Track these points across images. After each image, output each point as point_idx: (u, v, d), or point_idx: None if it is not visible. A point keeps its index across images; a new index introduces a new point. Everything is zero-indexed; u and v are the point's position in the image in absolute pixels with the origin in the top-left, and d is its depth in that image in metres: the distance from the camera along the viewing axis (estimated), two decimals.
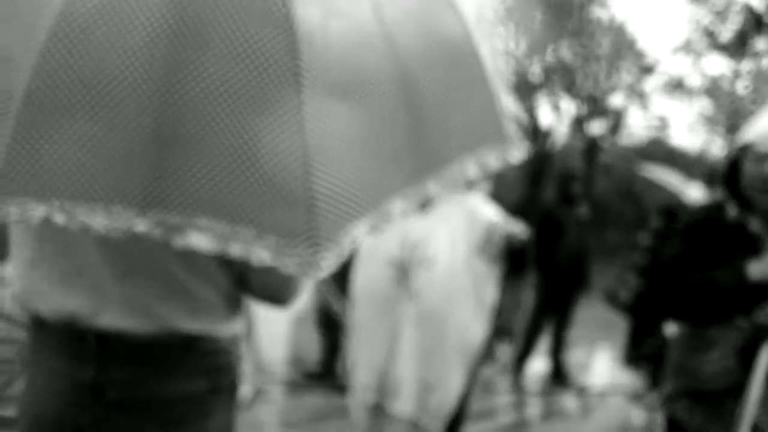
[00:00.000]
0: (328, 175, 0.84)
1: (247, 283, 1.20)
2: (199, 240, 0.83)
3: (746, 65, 15.08)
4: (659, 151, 13.92)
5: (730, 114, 15.15)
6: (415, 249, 2.55)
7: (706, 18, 15.08)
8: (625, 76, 14.77)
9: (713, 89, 15.28)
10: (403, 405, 2.56)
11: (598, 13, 14.04)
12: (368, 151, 0.89)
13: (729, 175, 1.90)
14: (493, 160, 1.07)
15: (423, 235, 2.56)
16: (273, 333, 4.06)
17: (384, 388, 2.58)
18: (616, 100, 14.95)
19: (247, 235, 0.82)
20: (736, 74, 15.21)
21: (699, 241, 1.85)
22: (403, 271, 2.56)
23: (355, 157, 0.87)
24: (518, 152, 1.10)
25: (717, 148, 15.67)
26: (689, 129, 16.08)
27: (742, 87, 15.22)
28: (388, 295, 2.57)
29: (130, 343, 1.11)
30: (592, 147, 14.28)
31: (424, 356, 2.55)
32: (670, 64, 15.45)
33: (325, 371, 4.48)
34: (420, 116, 0.97)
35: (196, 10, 0.87)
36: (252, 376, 3.86)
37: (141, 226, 0.84)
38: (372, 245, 2.60)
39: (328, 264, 0.82)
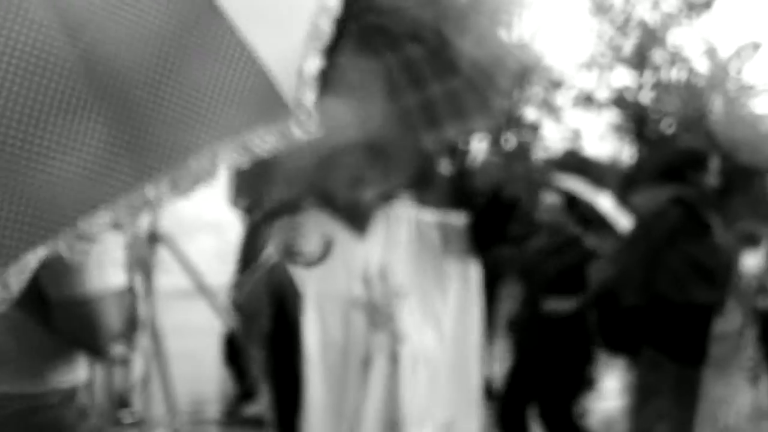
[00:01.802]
0: None
1: (56, 330, 1.09)
2: None
3: (647, 77, 15.83)
4: (572, 161, 14.38)
5: (637, 123, 15.83)
6: (384, 279, 1.92)
7: (608, 32, 15.77)
8: (536, 90, 15.24)
9: (619, 100, 15.95)
10: None
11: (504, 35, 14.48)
12: (41, 165, 0.76)
13: None
14: (266, 141, 0.88)
15: (383, 260, 1.95)
16: (184, 371, 3.91)
17: None
18: (529, 114, 15.40)
19: None
20: (640, 86, 15.94)
21: None
22: (377, 311, 1.90)
23: (18, 177, 0.76)
24: (307, 127, 0.89)
25: (626, 156, 16.33)
26: (600, 138, 16.71)
27: (645, 97, 15.94)
28: (366, 345, 1.86)
29: None
30: (510, 162, 14.64)
31: (437, 399, 1.94)
32: (577, 78, 16.02)
33: (235, 407, 4.36)
34: (128, 112, 0.81)
35: None
36: (165, 418, 3.70)
37: None
38: (317, 293, 1.88)
39: None
